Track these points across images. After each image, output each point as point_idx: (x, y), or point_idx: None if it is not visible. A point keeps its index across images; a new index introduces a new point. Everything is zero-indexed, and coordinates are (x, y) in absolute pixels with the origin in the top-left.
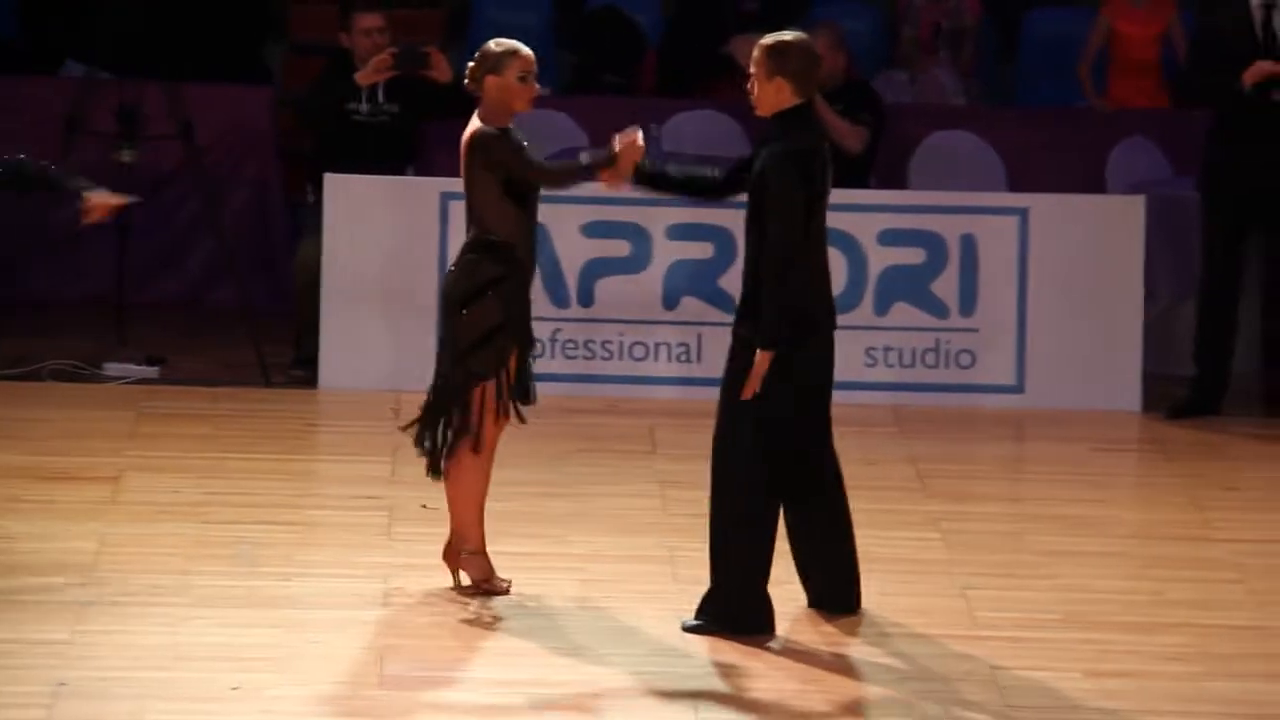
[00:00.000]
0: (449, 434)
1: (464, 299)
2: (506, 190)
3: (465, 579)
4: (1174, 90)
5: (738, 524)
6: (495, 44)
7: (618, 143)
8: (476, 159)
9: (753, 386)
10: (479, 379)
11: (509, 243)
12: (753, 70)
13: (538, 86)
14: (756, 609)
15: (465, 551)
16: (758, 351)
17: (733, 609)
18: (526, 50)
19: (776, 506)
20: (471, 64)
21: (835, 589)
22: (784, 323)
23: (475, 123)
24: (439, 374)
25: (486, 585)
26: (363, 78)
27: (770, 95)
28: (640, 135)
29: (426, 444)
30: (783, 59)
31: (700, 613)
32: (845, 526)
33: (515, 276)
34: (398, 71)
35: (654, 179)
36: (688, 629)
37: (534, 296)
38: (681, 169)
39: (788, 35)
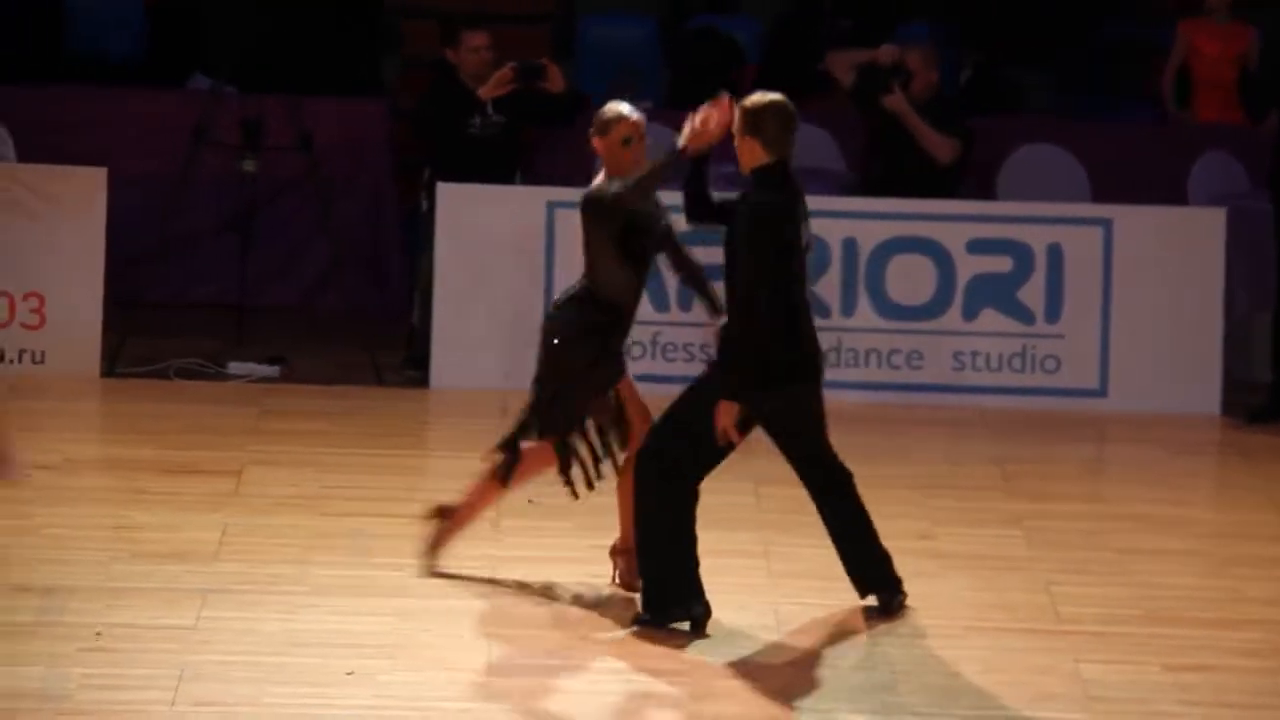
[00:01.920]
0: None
1: (563, 344)
2: (621, 248)
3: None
4: (1247, 105)
5: (651, 517)
6: (608, 107)
7: (700, 113)
8: (588, 216)
9: (724, 430)
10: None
11: (614, 301)
12: (734, 129)
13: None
14: (681, 597)
15: (623, 550)
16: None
17: (655, 597)
18: (634, 115)
19: (686, 498)
20: (592, 126)
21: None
22: (746, 372)
23: (595, 180)
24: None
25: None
26: (485, 92)
27: (745, 153)
28: (725, 101)
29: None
30: (755, 120)
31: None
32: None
33: (616, 327)
34: (518, 85)
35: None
36: (637, 622)
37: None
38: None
39: (765, 97)
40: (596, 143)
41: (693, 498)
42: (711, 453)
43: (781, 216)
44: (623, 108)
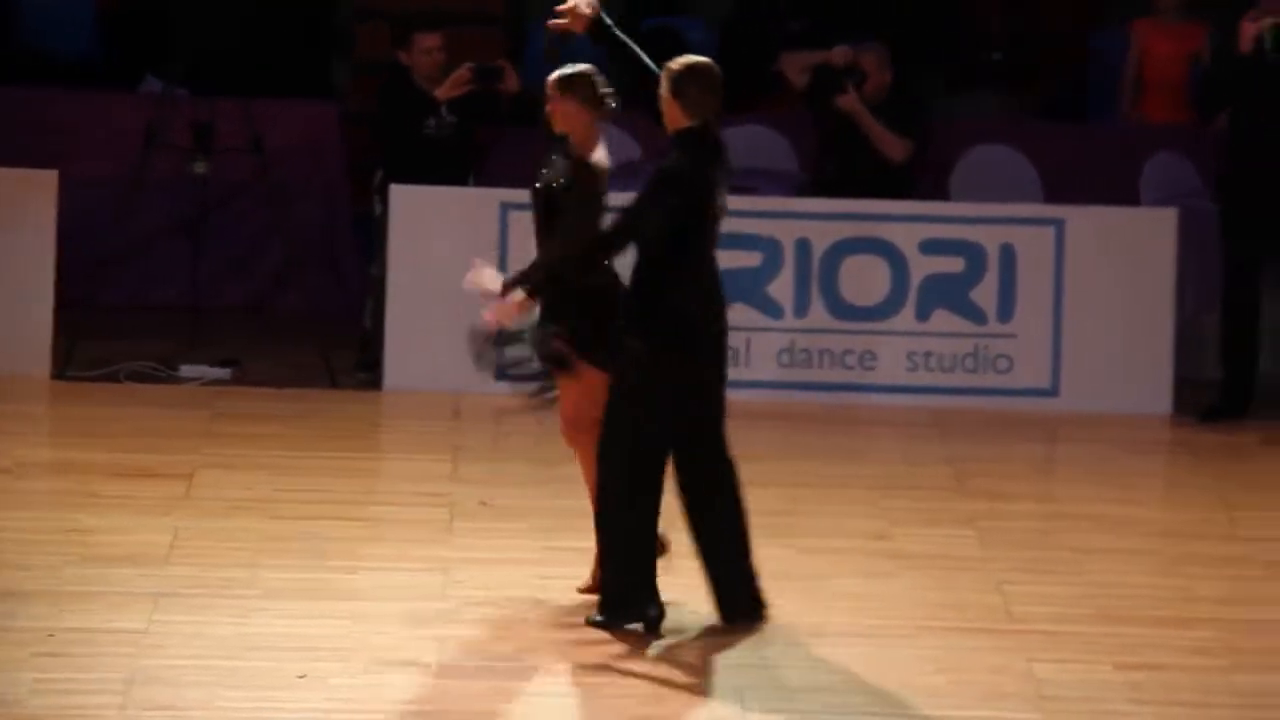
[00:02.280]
0: None
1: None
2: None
3: None
4: (1195, 107)
5: (610, 516)
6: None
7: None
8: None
9: (492, 319)
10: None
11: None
12: (660, 92)
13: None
14: (638, 599)
15: None
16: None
17: (611, 597)
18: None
19: (648, 499)
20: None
21: (731, 594)
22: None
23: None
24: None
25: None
26: (443, 93)
27: (668, 115)
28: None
29: None
30: (677, 82)
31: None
32: (734, 527)
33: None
34: (475, 86)
35: (609, 36)
36: (590, 623)
37: None
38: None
39: (689, 59)
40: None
41: (657, 494)
42: (663, 432)
43: (691, 179)
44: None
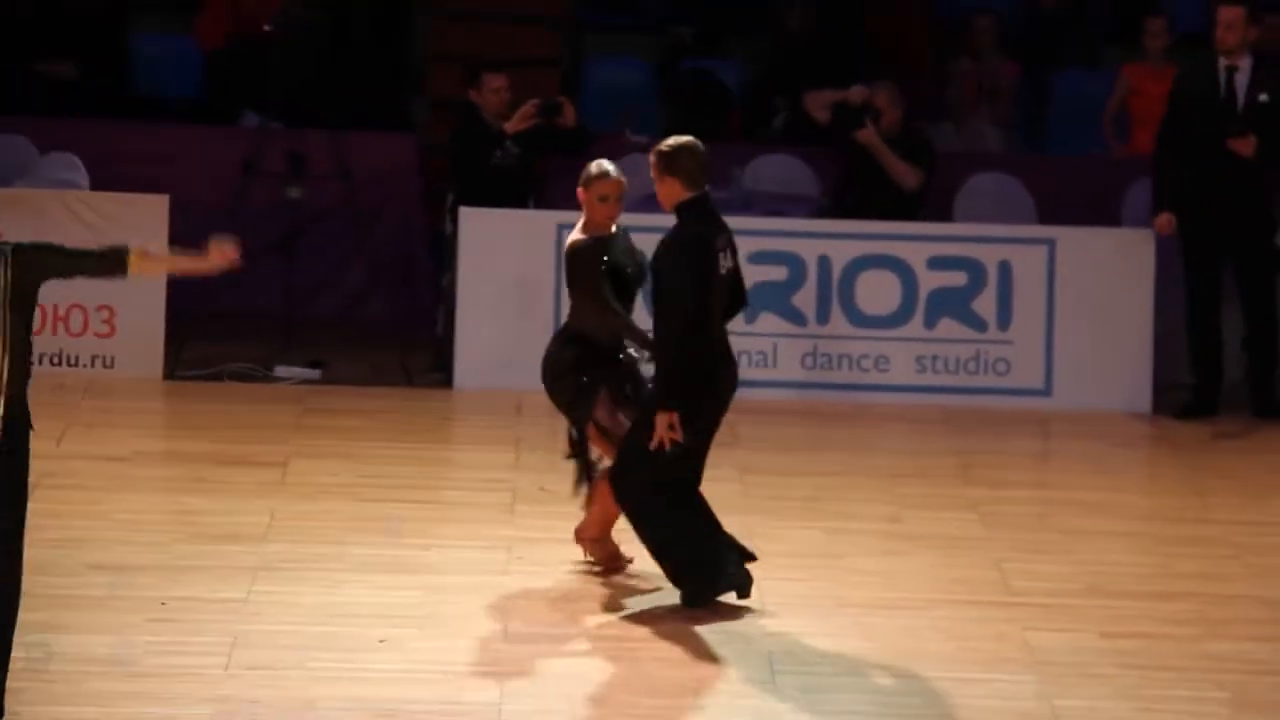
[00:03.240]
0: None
1: (553, 379)
2: (599, 292)
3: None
4: (1156, 145)
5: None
6: (595, 164)
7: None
8: (569, 268)
9: (657, 438)
10: (584, 421)
11: (594, 337)
12: (652, 174)
13: (610, 205)
14: (711, 584)
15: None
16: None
17: (691, 593)
18: (615, 174)
19: (664, 498)
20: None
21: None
22: (678, 387)
23: (576, 233)
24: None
25: (611, 565)
26: (512, 126)
27: (665, 192)
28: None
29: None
30: (671, 160)
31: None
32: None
33: (591, 358)
34: (540, 120)
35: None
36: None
37: (637, 310)
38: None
39: (678, 140)
40: (580, 193)
41: (690, 500)
42: (680, 464)
43: (702, 244)
44: (608, 167)
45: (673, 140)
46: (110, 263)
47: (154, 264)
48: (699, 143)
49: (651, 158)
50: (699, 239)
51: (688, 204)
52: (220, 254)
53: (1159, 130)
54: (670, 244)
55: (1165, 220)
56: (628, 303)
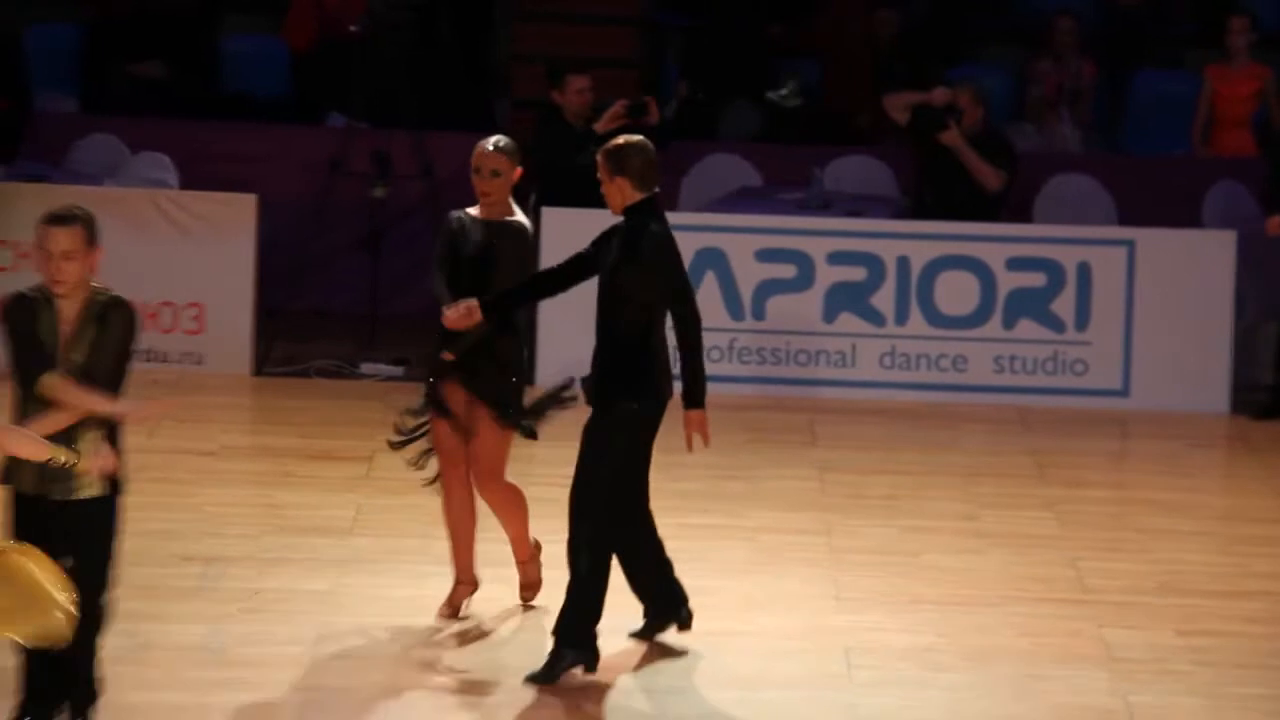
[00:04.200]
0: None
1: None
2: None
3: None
4: (1260, 142)
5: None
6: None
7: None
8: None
9: (707, 439)
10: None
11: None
12: (600, 175)
13: (482, 179)
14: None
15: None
16: (693, 410)
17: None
18: (485, 146)
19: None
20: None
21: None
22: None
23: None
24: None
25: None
26: (602, 125)
27: (616, 194)
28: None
29: None
30: (620, 160)
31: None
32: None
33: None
34: (628, 119)
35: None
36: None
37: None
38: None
39: (624, 139)
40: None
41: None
42: (628, 484)
43: (673, 242)
44: (488, 140)
45: (621, 139)
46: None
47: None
48: (649, 141)
49: (599, 158)
50: (670, 235)
51: (638, 206)
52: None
53: (1273, 131)
54: (655, 241)
55: (1277, 222)
56: (464, 285)
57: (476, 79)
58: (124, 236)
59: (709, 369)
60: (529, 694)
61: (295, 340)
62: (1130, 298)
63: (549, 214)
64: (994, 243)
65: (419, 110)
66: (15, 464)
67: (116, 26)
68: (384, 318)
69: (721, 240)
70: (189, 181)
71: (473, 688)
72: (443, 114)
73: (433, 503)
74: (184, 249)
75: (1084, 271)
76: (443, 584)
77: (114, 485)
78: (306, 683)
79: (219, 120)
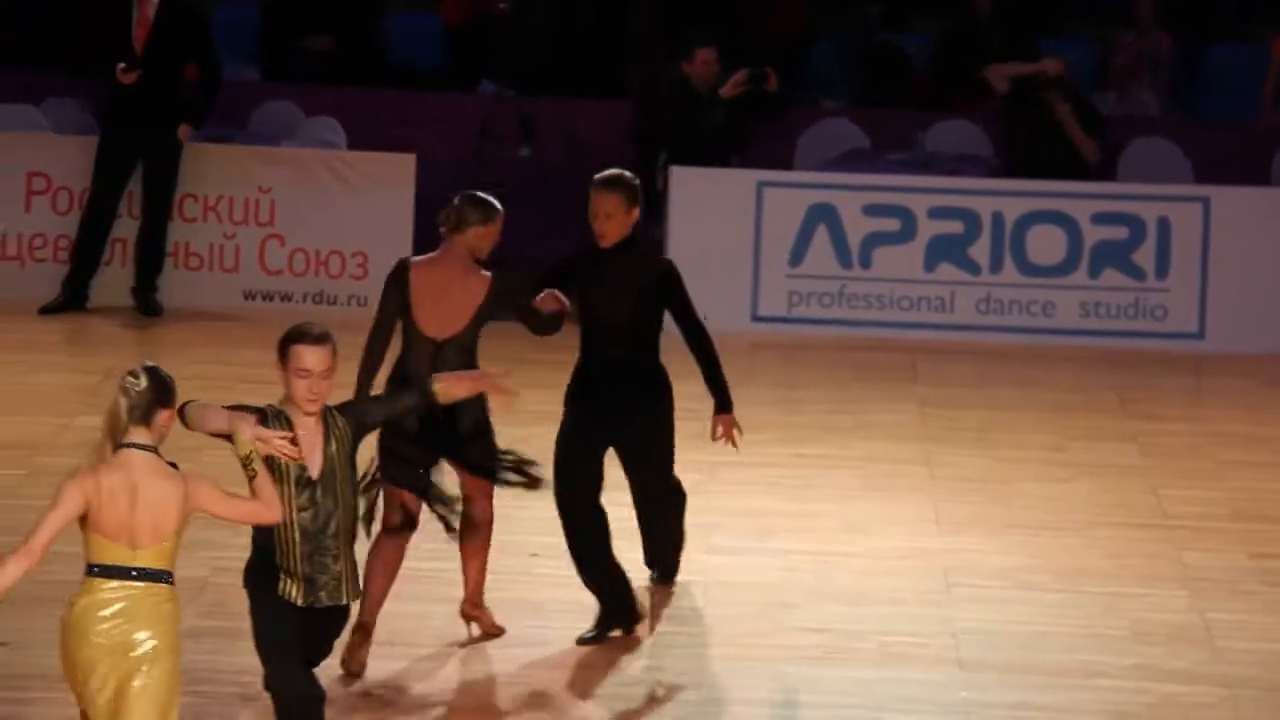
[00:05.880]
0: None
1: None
2: None
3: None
4: None
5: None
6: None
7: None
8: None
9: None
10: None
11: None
12: (610, 210)
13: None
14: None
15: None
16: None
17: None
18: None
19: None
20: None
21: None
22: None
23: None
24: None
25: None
26: (726, 91)
27: (624, 225)
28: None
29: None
30: (636, 192)
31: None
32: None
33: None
34: (749, 87)
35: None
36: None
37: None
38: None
39: (624, 172)
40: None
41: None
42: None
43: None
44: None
45: (623, 172)
46: (422, 395)
47: (456, 386)
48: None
49: (611, 191)
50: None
51: (630, 239)
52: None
53: None
54: (667, 269)
55: None
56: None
57: (612, 50)
58: (299, 192)
59: (823, 313)
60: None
61: None
62: (1205, 249)
63: (677, 173)
64: (1081, 199)
65: (560, 78)
66: None
67: (292, 5)
68: (527, 263)
69: (832, 197)
70: (355, 143)
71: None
72: (582, 82)
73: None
74: (350, 203)
75: (1163, 225)
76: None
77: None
78: (454, 595)
79: (382, 88)
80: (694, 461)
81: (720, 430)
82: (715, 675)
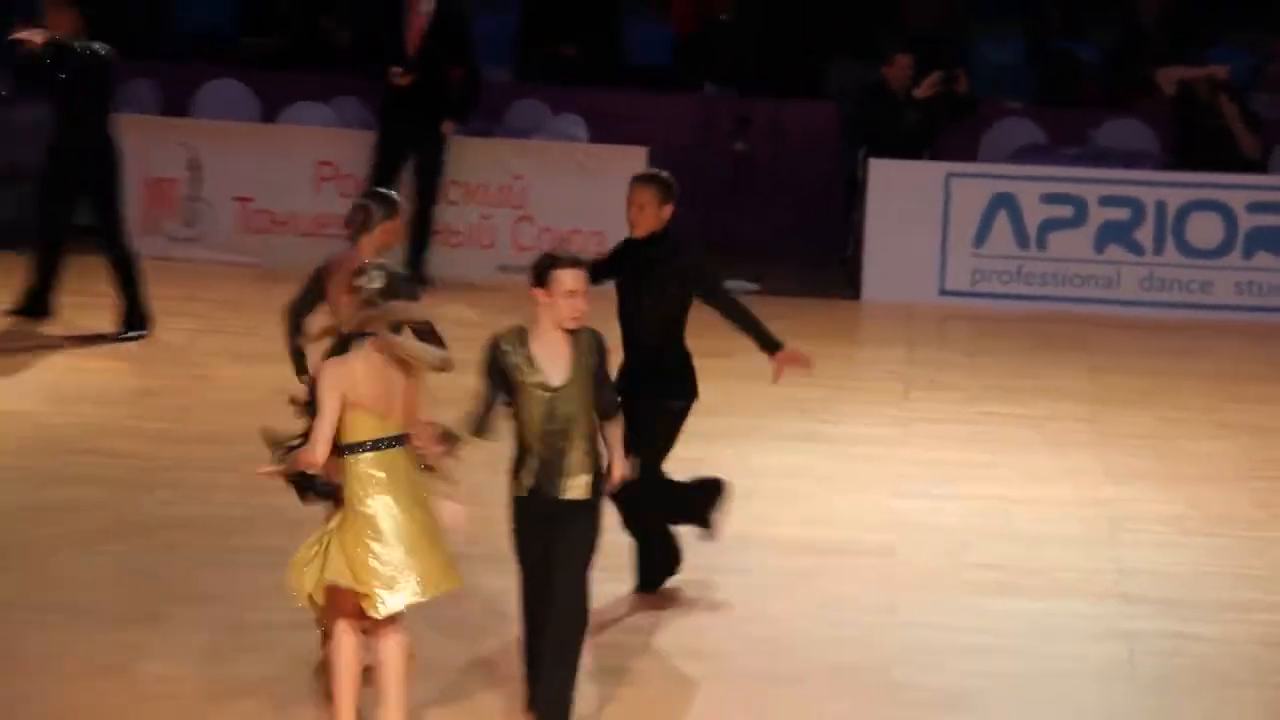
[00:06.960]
0: None
1: None
2: None
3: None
4: None
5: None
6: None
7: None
8: None
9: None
10: None
11: None
12: (644, 202)
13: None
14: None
15: None
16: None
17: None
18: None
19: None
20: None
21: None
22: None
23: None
24: None
25: None
26: (921, 92)
27: (659, 217)
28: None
29: None
30: (670, 190)
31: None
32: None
33: None
34: (942, 87)
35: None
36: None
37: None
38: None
39: (660, 171)
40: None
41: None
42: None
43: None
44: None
45: (660, 171)
46: None
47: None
48: None
49: (645, 185)
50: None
51: (665, 231)
52: None
53: None
54: (693, 258)
55: None
56: None
57: (819, 54)
58: (547, 179)
59: (1003, 289)
60: (847, 543)
61: None
62: None
63: (875, 165)
64: (1237, 190)
65: (773, 81)
66: None
67: (544, 16)
68: (741, 243)
69: (1013, 186)
70: (595, 137)
71: (801, 542)
72: (792, 84)
73: (771, 391)
74: (591, 189)
75: None
76: (777, 456)
77: None
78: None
79: (619, 88)
80: (891, 416)
81: (779, 368)
82: (906, 602)
